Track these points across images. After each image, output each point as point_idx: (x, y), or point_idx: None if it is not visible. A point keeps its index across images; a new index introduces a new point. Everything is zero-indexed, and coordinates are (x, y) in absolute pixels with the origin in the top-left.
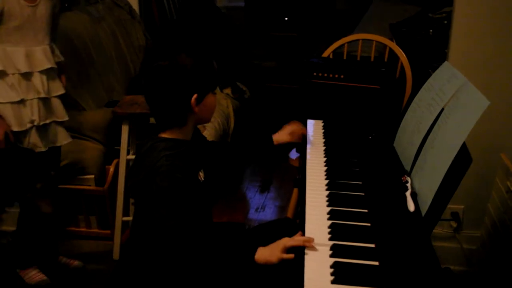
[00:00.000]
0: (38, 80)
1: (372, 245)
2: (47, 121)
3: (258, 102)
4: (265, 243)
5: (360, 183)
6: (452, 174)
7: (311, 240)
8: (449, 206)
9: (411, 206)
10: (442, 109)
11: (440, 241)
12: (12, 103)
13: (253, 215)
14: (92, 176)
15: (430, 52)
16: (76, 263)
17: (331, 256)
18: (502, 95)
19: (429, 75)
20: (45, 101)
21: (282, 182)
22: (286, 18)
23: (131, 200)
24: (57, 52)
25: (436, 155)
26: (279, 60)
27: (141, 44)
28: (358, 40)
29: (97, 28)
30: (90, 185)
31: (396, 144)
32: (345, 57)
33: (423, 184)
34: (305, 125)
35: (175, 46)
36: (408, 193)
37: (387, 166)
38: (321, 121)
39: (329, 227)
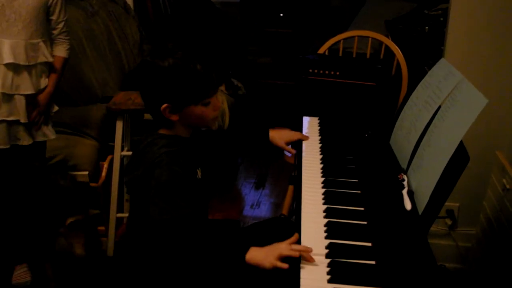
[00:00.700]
0: (1, 74)
1: (369, 244)
2: (10, 118)
3: (253, 99)
4: (260, 243)
5: (357, 181)
6: (449, 172)
7: (309, 250)
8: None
9: (407, 205)
10: (439, 107)
11: (435, 239)
12: None
13: (248, 211)
14: (86, 173)
15: (426, 49)
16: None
17: (327, 255)
18: (498, 93)
19: (425, 72)
20: (8, 97)
21: (277, 179)
22: (281, 14)
23: (126, 197)
24: (45, 51)
25: (433, 153)
26: (274, 57)
27: (135, 39)
28: (353, 36)
29: (91, 23)
30: (84, 181)
31: (392, 141)
32: (340, 53)
33: (420, 183)
34: (300, 122)
35: (169, 46)
36: (404, 191)
37: (383, 164)
38: (317, 118)
39: (325, 225)
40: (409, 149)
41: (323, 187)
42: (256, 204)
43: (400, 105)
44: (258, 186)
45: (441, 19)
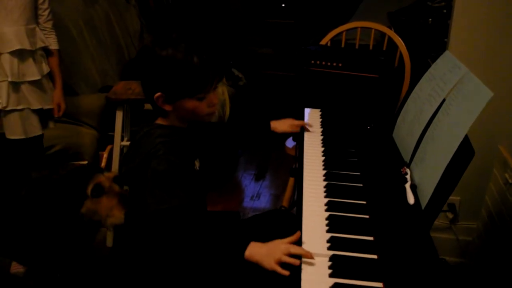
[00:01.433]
0: (7, 62)
1: (371, 238)
2: (19, 107)
3: (254, 89)
4: (260, 235)
5: (359, 174)
6: (454, 166)
7: (309, 256)
8: None
9: (410, 199)
10: (443, 100)
11: (436, 232)
12: None
13: (248, 203)
14: (85, 162)
15: (429, 41)
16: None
17: (329, 249)
18: (502, 86)
19: (428, 65)
20: (16, 85)
21: (277, 171)
22: (283, 5)
23: (125, 187)
24: (42, 36)
25: (437, 147)
26: (275, 47)
27: (135, 29)
28: (356, 28)
29: (91, 11)
30: None
31: (395, 134)
32: (343, 45)
33: (423, 177)
34: (302, 113)
35: (173, 36)
36: (407, 185)
37: (386, 157)
38: (319, 110)
39: (326, 218)
40: (412, 142)
41: (324, 180)
42: (256, 195)
43: (403, 98)
44: (258, 177)
45: (445, 11)
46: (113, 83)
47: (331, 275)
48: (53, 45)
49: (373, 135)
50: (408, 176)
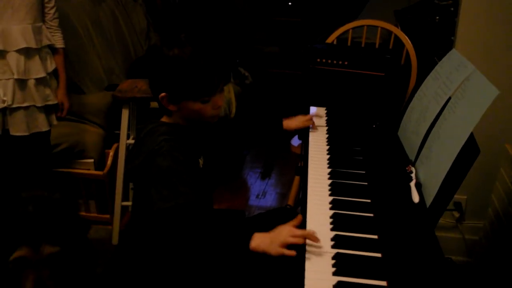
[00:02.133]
0: (13, 60)
1: (375, 237)
2: (24, 104)
3: (260, 88)
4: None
5: (363, 172)
6: (459, 165)
7: (311, 233)
8: None
9: (415, 197)
10: (449, 98)
11: (442, 231)
12: None
13: (253, 201)
14: (92, 160)
15: (435, 40)
16: None
17: (333, 247)
18: (508, 84)
19: (434, 63)
20: (21, 83)
21: (283, 169)
22: (289, 3)
23: (131, 185)
24: (48, 34)
25: (442, 145)
26: (281, 46)
27: (142, 27)
28: (363, 26)
29: (97, 10)
30: (89, 169)
31: (400, 133)
32: (349, 43)
33: (428, 175)
34: (307, 112)
35: (181, 37)
36: (412, 184)
37: (391, 155)
38: (324, 108)
39: (331, 217)
40: (417, 141)
41: (329, 178)
42: (262, 194)
43: (409, 96)
44: (264, 176)
45: (452, 8)
46: (119, 81)
47: (334, 273)
48: (59, 43)
49: (378, 133)
50: (413, 175)
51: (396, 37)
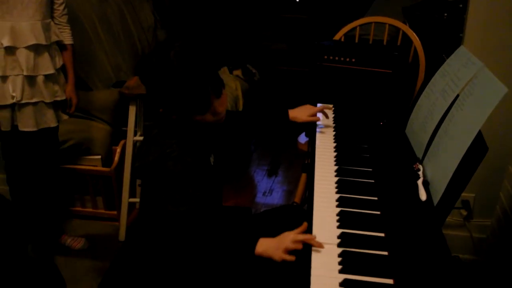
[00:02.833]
0: (23, 57)
1: (382, 234)
2: (33, 100)
3: (267, 85)
4: (271, 230)
5: (371, 170)
6: (467, 163)
7: (312, 238)
8: None
9: (422, 195)
10: (457, 96)
11: (450, 229)
12: None
13: (260, 199)
14: (99, 157)
15: (444, 36)
16: (80, 245)
17: (339, 244)
18: None
19: (442, 60)
20: (30, 79)
21: (290, 166)
22: (297, 0)
23: (138, 182)
24: (56, 31)
25: (450, 143)
26: (289, 43)
27: (149, 24)
28: (370, 23)
29: (104, 7)
30: (96, 166)
31: (408, 130)
32: (357, 40)
33: (435, 173)
34: None
35: (175, 45)
36: (419, 182)
37: (398, 153)
38: (332, 105)
39: (337, 214)
40: (425, 139)
41: (336, 176)
42: (269, 191)
43: (417, 94)
44: (271, 173)
45: (461, 5)
46: (127, 78)
47: (341, 271)
48: (67, 39)
49: (385, 131)
50: (420, 172)
51: (404, 34)
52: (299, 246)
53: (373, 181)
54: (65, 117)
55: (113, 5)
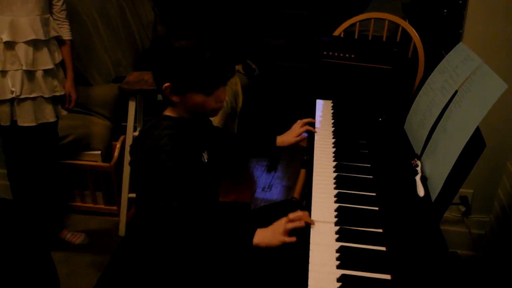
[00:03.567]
0: (22, 51)
1: (380, 230)
2: (32, 95)
3: (267, 81)
4: (269, 225)
5: (369, 165)
6: (465, 159)
7: (306, 214)
8: None
9: (420, 191)
10: (456, 92)
11: (448, 225)
12: None
13: (259, 194)
14: (99, 152)
15: (443, 33)
16: (80, 240)
17: (337, 240)
18: None
19: (442, 56)
20: (30, 74)
21: (289, 162)
22: None
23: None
24: (55, 26)
25: (448, 139)
26: (289, 38)
27: (149, 19)
28: (370, 19)
29: (105, 2)
30: (96, 161)
31: (406, 126)
32: (356, 36)
33: (433, 169)
34: (314, 105)
35: (186, 28)
36: (418, 177)
37: (397, 149)
38: (331, 101)
39: (336, 210)
40: (423, 134)
41: (335, 171)
42: (268, 187)
43: (416, 90)
44: (270, 169)
45: (460, 1)
46: (127, 73)
47: (339, 267)
48: (66, 35)
49: (384, 127)
50: (418, 168)
51: (404, 30)
52: (300, 223)
53: (371, 177)
54: (64, 112)
55: (113, 1)
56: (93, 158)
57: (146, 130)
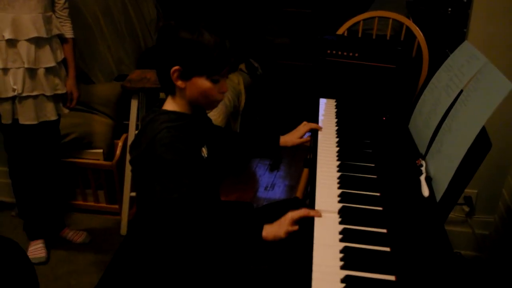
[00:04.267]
0: (24, 49)
1: (384, 230)
2: (34, 93)
3: (270, 79)
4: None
5: (373, 165)
6: (470, 159)
7: (316, 211)
8: None
9: (425, 191)
10: (461, 91)
11: (452, 226)
12: None
13: (262, 193)
14: (101, 151)
15: (448, 31)
16: (81, 239)
17: (341, 240)
18: None
19: (446, 55)
20: (31, 72)
21: (292, 161)
22: None
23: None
24: (58, 24)
25: (453, 139)
26: (292, 37)
27: (152, 17)
28: (374, 17)
29: (107, 0)
30: (98, 160)
31: (411, 126)
32: (360, 35)
33: (438, 169)
34: (317, 103)
35: (194, 18)
36: (422, 177)
37: (401, 148)
38: (334, 100)
39: (339, 210)
40: (428, 134)
41: (338, 171)
42: (270, 186)
43: (420, 89)
44: (273, 168)
45: (465, 0)
46: (129, 71)
47: (342, 267)
48: (68, 33)
49: (388, 126)
50: (423, 168)
51: (408, 28)
52: (306, 213)
53: (375, 176)
54: (65, 110)
55: None
56: (95, 156)
57: (145, 125)
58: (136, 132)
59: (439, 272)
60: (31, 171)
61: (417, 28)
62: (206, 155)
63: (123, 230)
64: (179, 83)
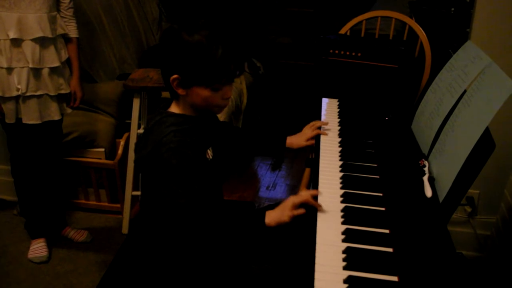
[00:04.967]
0: (29, 49)
1: (387, 231)
2: (38, 93)
3: (272, 79)
4: None
5: (376, 165)
6: (473, 159)
7: (317, 192)
8: None
9: (428, 192)
10: (464, 91)
11: (454, 226)
12: None
13: (264, 193)
14: (103, 149)
15: (451, 31)
16: (83, 237)
17: (344, 241)
18: None
19: (449, 55)
20: (36, 72)
21: (294, 161)
22: None
23: (141, 174)
24: (62, 24)
25: (456, 139)
26: (294, 36)
27: (154, 17)
28: (376, 17)
29: None
30: (100, 158)
31: (414, 126)
32: (362, 34)
33: (441, 169)
34: (320, 103)
35: (200, 21)
36: (425, 178)
37: (404, 148)
38: (336, 100)
39: (342, 210)
40: (431, 134)
41: (341, 171)
42: (272, 185)
43: (423, 89)
44: (275, 167)
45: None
46: (131, 70)
47: (345, 268)
48: (73, 33)
49: (391, 126)
50: (426, 169)
51: (411, 28)
52: (307, 197)
53: (378, 177)
54: (68, 110)
55: None
56: (97, 155)
57: (151, 127)
58: (139, 131)
59: (441, 273)
60: (33, 169)
61: (420, 28)
62: (211, 157)
63: (125, 229)
64: (180, 90)
